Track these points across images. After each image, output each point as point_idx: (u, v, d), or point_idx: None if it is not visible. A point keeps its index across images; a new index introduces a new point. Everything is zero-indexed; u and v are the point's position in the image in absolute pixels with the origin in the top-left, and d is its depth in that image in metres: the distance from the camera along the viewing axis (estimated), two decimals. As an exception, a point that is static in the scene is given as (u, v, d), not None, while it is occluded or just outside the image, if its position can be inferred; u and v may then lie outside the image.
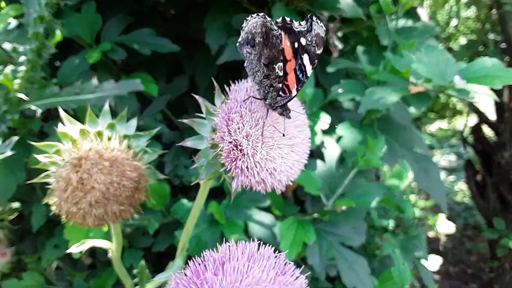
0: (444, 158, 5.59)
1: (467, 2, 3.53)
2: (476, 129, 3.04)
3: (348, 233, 1.17)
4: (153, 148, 0.60)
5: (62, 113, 0.58)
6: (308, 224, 1.11)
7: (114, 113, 1.17)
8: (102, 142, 0.55)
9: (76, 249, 0.72)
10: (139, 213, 1.24)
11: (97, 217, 0.54)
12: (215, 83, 0.52)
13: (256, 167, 0.46)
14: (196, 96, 0.52)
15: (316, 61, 0.48)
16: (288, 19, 0.48)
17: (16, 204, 1.14)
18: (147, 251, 1.29)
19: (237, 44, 0.50)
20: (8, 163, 1.05)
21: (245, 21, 0.49)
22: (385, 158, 1.11)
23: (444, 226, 1.61)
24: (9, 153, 0.80)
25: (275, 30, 0.47)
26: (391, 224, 1.76)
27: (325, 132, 1.19)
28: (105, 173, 0.52)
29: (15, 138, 0.78)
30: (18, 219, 1.16)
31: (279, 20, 0.48)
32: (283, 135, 0.48)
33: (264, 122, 0.47)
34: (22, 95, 0.89)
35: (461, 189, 4.78)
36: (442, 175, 5.15)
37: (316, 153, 1.22)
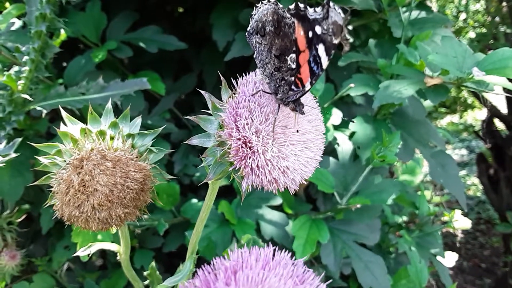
0: (456, 153, 5.52)
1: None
2: (488, 123, 2.98)
3: (362, 232, 1.14)
4: (158, 147, 0.57)
5: (63, 113, 0.55)
6: (321, 222, 1.08)
7: (121, 113, 1.15)
8: (104, 142, 0.53)
9: (83, 252, 0.70)
10: (149, 213, 1.22)
11: (100, 220, 0.51)
12: (222, 77, 0.49)
13: (268, 165, 0.43)
14: (202, 92, 0.48)
15: (333, 51, 0.43)
16: (302, 5, 0.43)
17: (25, 206, 1.13)
18: (157, 251, 1.27)
19: (246, 33, 0.47)
20: (15, 165, 1.04)
21: (255, 8, 0.45)
22: (400, 154, 1.07)
23: (461, 222, 1.56)
24: (13, 155, 0.78)
25: (288, 18, 0.43)
26: (405, 220, 1.72)
27: (337, 128, 1.15)
28: (108, 174, 0.50)
29: (19, 139, 0.76)
30: (27, 221, 1.15)
31: (292, 6, 0.43)
32: (297, 131, 0.45)
33: (275, 118, 0.44)
34: (26, 96, 0.88)
35: (474, 183, 4.71)
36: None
37: (328, 150, 1.19)
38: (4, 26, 0.92)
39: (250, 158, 0.43)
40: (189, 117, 0.46)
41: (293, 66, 0.44)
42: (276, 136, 0.44)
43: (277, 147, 0.44)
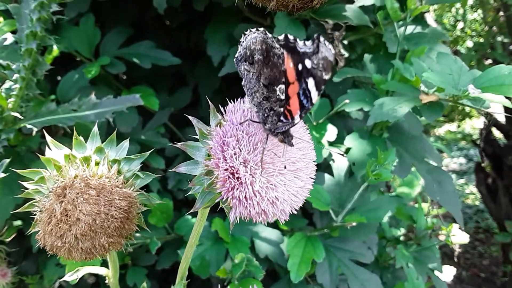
0: (454, 161, 5.52)
1: (473, 5, 3.49)
2: (486, 133, 2.98)
3: (358, 249, 1.12)
4: (145, 172, 0.56)
5: (48, 138, 0.54)
6: (317, 240, 1.07)
7: (113, 130, 1.14)
8: (89, 169, 0.51)
9: (70, 277, 0.69)
10: (142, 230, 1.20)
11: (84, 250, 0.49)
12: (210, 102, 0.47)
13: (256, 196, 0.42)
14: (190, 117, 0.47)
15: (323, 87, 0.43)
16: (291, 37, 0.43)
17: (17, 222, 1.11)
18: (151, 268, 1.25)
19: (234, 59, 0.46)
20: (6, 182, 1.02)
21: (243, 35, 0.44)
22: (396, 170, 1.06)
23: (458, 237, 1.55)
24: (1, 175, 0.77)
25: (277, 49, 0.42)
26: (403, 232, 1.70)
27: (332, 143, 1.14)
28: (92, 203, 0.48)
29: (7, 160, 0.74)
30: (19, 237, 1.13)
31: (281, 37, 0.43)
32: (285, 167, 0.43)
33: (264, 148, 0.43)
34: (16, 114, 0.86)
35: (472, 192, 4.70)
36: (453, 178, 5.07)
37: (323, 166, 1.18)
38: (-5, 43, 0.91)
39: (237, 189, 0.41)
40: (177, 145, 0.45)
41: (282, 97, 0.43)
42: (265, 166, 0.43)
43: (266, 177, 0.43)
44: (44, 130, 0.56)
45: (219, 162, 0.42)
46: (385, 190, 1.78)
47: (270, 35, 0.43)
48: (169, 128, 1.38)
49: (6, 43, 0.98)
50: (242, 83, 0.46)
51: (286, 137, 0.44)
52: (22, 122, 0.89)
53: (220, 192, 0.44)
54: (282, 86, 0.43)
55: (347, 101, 1.03)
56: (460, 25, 4.19)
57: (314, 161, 0.48)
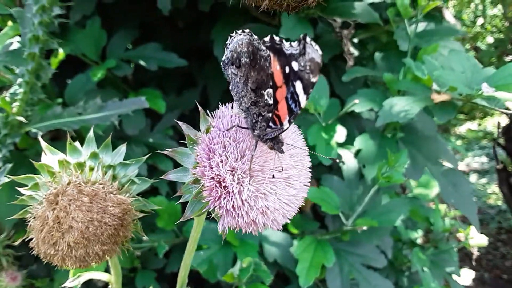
0: (475, 160, 5.39)
1: (493, 0, 3.39)
2: (508, 130, 2.89)
3: (371, 253, 1.08)
4: (142, 177, 0.55)
5: (42, 144, 0.53)
6: (327, 244, 1.04)
7: (121, 133, 1.13)
8: (82, 175, 0.50)
9: (71, 283, 0.68)
10: (151, 233, 1.19)
11: (77, 258, 0.48)
12: (200, 107, 0.46)
13: (244, 206, 0.40)
14: (180, 123, 0.45)
15: (311, 90, 0.41)
16: (277, 38, 0.41)
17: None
18: (160, 271, 1.24)
19: (222, 63, 0.44)
20: (13, 185, 1.02)
21: (229, 37, 0.42)
22: (408, 172, 1.03)
23: (476, 239, 1.50)
24: (5, 179, 0.77)
25: (263, 51, 0.40)
26: (420, 234, 1.65)
27: (342, 145, 1.11)
28: (84, 210, 0.47)
29: (9, 165, 0.74)
30: (29, 241, 1.13)
31: (267, 39, 0.41)
32: (273, 176, 0.41)
33: (252, 155, 0.40)
34: (21, 118, 0.86)
35: (494, 192, 4.58)
36: (474, 177, 4.97)
37: (333, 168, 1.15)
38: (1, 47, 0.91)
39: (224, 198, 0.39)
40: (165, 152, 0.43)
41: (271, 101, 0.41)
42: (254, 174, 0.41)
43: (255, 185, 0.41)
44: (40, 136, 0.55)
45: (205, 171, 0.41)
46: (400, 192, 1.73)
47: (256, 37, 0.41)
48: (178, 130, 1.37)
49: (12, 47, 0.98)
50: (230, 87, 0.44)
51: (275, 144, 0.42)
52: (27, 126, 0.89)
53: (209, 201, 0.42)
54: (270, 90, 0.41)
55: (356, 101, 1.00)
56: (480, 21, 4.09)
57: (309, 167, 0.45)
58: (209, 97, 1.38)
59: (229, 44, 0.42)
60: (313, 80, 0.40)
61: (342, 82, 1.16)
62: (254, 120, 0.42)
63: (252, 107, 0.42)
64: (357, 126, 1.27)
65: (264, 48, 0.41)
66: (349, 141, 1.13)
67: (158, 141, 1.22)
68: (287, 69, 0.40)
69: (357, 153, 1.09)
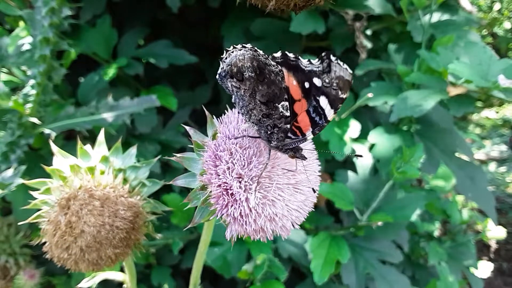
0: (494, 148, 5.29)
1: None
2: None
3: (386, 249, 1.07)
4: (152, 179, 0.54)
5: (54, 148, 0.53)
6: (342, 240, 1.03)
7: (133, 131, 1.13)
8: (94, 178, 0.50)
9: (86, 284, 0.68)
10: (166, 230, 1.19)
11: (90, 262, 0.49)
12: (207, 112, 0.45)
13: (252, 213, 0.39)
14: (187, 128, 0.45)
15: (340, 105, 0.42)
16: (291, 55, 0.41)
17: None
18: (176, 267, 1.25)
19: (218, 76, 0.44)
20: (28, 186, 1.04)
21: (225, 52, 0.42)
22: (424, 166, 1.01)
23: (494, 232, 1.47)
24: (20, 180, 0.77)
25: (273, 66, 0.41)
26: (437, 226, 1.63)
27: (356, 139, 1.09)
28: (96, 215, 0.47)
29: (23, 167, 0.75)
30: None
31: (278, 55, 0.42)
32: (287, 175, 0.41)
33: (266, 164, 0.40)
34: (35, 119, 0.87)
35: (514, 180, 4.48)
36: (493, 166, 4.88)
37: (347, 163, 1.13)
38: (13, 48, 0.92)
39: (232, 206, 0.39)
40: (173, 158, 0.43)
41: (287, 113, 0.42)
42: (261, 181, 0.41)
43: (262, 192, 0.40)
44: (50, 139, 0.56)
45: (212, 178, 0.41)
46: (416, 184, 1.71)
47: (261, 52, 0.41)
48: (190, 125, 1.37)
49: (24, 48, 0.99)
50: (232, 100, 0.44)
51: (296, 152, 0.42)
52: (41, 127, 0.90)
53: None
54: (286, 103, 0.41)
55: (370, 95, 0.98)
56: (497, 6, 3.99)
57: (318, 172, 0.45)
58: (221, 93, 1.38)
59: (226, 58, 0.42)
60: (343, 96, 0.41)
61: (355, 75, 1.14)
62: (269, 132, 0.42)
63: (265, 119, 0.42)
64: (371, 119, 1.25)
65: (273, 63, 0.41)
66: (363, 135, 1.11)
67: (170, 138, 1.22)
68: (306, 84, 0.41)
69: (371, 147, 1.07)
